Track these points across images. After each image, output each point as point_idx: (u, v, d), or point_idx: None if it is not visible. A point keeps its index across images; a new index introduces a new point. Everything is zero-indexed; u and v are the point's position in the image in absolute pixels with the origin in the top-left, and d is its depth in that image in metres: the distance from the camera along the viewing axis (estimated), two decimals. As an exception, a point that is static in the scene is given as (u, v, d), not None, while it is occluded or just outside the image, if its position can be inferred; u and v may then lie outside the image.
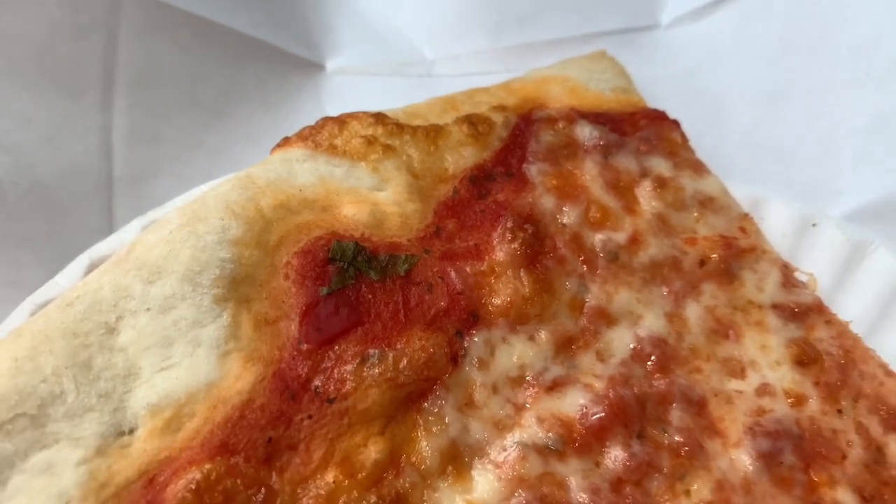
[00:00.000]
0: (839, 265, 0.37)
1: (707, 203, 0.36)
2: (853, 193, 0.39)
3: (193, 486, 0.24)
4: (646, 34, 0.44)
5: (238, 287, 0.27)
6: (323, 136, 0.32)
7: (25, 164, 0.32)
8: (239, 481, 0.24)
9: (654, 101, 0.40)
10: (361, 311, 0.28)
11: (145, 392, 0.25)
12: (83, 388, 0.25)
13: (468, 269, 0.30)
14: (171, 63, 0.36)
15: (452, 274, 0.30)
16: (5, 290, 0.29)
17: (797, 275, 0.35)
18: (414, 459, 0.26)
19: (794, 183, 0.38)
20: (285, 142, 0.32)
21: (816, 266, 0.36)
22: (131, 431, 0.25)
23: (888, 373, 0.32)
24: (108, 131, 0.34)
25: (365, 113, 0.33)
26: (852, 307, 0.35)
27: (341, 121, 0.32)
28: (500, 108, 0.36)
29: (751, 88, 0.42)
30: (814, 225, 0.38)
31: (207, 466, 0.24)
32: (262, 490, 0.24)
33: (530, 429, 0.28)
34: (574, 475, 0.28)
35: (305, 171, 0.30)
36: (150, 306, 0.26)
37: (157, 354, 0.25)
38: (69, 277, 0.30)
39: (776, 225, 0.37)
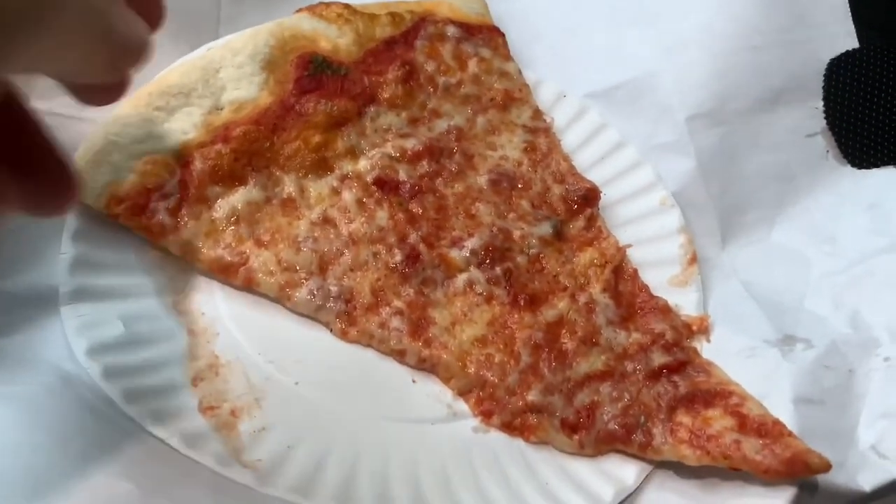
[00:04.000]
0: (570, 117, 0.71)
1: (504, 74, 0.71)
2: (592, 84, 0.72)
3: (243, 131, 0.60)
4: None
5: (269, 65, 0.63)
6: (318, 9, 0.69)
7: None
8: (261, 134, 0.62)
9: (499, 24, 0.76)
10: (321, 85, 0.65)
11: (227, 96, 0.61)
12: (203, 89, 0.61)
13: (374, 79, 0.67)
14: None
15: (365, 79, 0.67)
16: (169, 56, 0.67)
17: (544, 117, 0.72)
18: (333, 148, 0.64)
19: (564, 76, 0.72)
20: (300, 10, 0.69)
21: (557, 116, 0.72)
22: (221, 109, 0.61)
23: (566, 159, 0.68)
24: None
25: (341, 2, 0.70)
26: (568, 137, 0.71)
27: (327, 3, 0.70)
28: (410, 11, 0.72)
29: (559, 25, 0.75)
30: (564, 96, 0.73)
31: (249, 127, 0.61)
32: (268, 142, 0.62)
33: (386, 149, 0.64)
34: (402, 169, 0.63)
35: (307, 24, 0.67)
36: (233, 64, 0.63)
37: (234, 83, 0.62)
38: (198, 51, 0.67)
39: (545, 95, 0.72)
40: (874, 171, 0.69)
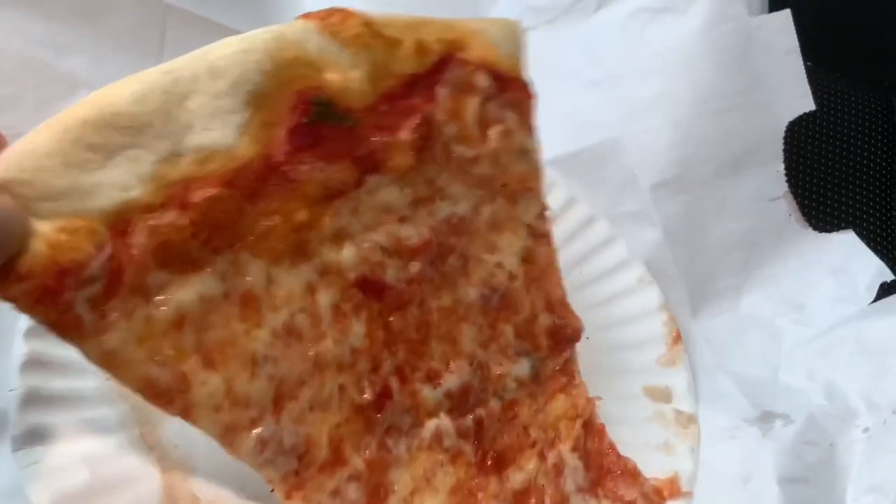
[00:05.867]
0: None
1: (524, 153, 0.60)
2: (552, 150, 0.65)
3: (210, 197, 0.45)
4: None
5: (257, 99, 0.46)
6: (331, 20, 0.51)
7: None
8: (232, 202, 0.46)
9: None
10: (321, 139, 0.50)
11: (193, 138, 0.44)
12: (162, 125, 0.43)
13: (384, 138, 0.53)
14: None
15: (374, 138, 0.53)
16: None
17: (547, 214, 0.63)
18: (318, 228, 0.50)
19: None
20: (306, 16, 0.50)
21: None
22: (181, 156, 0.45)
23: (559, 285, 0.61)
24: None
25: (360, 14, 0.52)
26: None
27: (346, 14, 0.52)
28: (438, 41, 0.56)
29: None
30: None
31: (219, 191, 0.45)
32: (243, 211, 0.47)
33: (379, 236, 0.53)
34: (391, 268, 0.54)
35: (314, 42, 0.49)
36: (209, 91, 0.45)
37: (205, 120, 0.45)
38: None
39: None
40: (835, 234, 0.72)
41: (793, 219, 0.72)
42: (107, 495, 0.49)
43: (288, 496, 0.49)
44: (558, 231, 0.65)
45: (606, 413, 0.64)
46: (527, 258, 0.60)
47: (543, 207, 0.62)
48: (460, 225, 0.57)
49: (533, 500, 0.56)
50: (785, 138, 0.73)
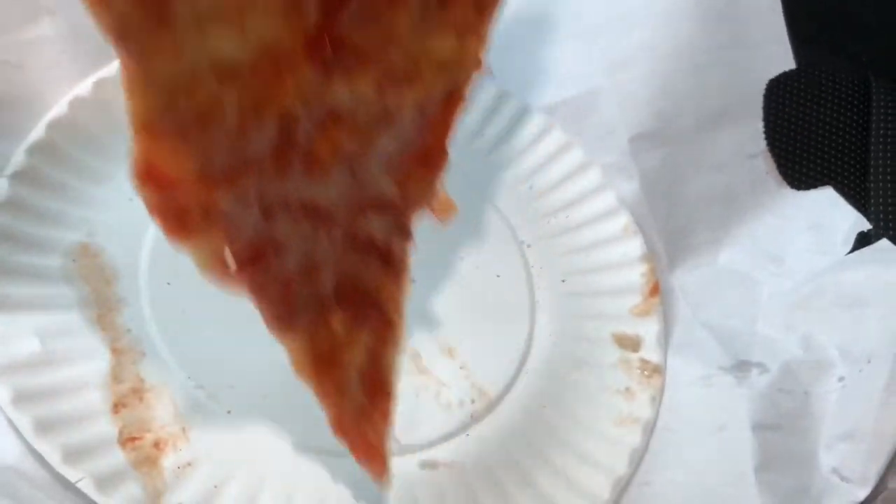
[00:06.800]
0: (534, 134, 0.66)
1: None
2: (532, 101, 0.69)
3: None
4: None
5: None
6: None
7: None
8: None
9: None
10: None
11: None
12: None
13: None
14: None
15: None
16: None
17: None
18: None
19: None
20: None
21: (520, 132, 0.67)
22: None
23: None
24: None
25: None
26: (531, 156, 0.65)
27: None
28: None
29: (495, 41, 0.59)
30: (527, 112, 0.68)
31: None
32: None
33: None
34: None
35: None
36: None
37: None
38: None
39: (507, 110, 0.68)
40: (813, 191, 0.72)
41: (770, 176, 0.72)
42: (55, 367, 0.49)
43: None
44: (551, 174, 0.66)
45: (570, 354, 0.61)
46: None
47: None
48: None
49: (339, 133, 0.38)
50: (764, 96, 0.73)
